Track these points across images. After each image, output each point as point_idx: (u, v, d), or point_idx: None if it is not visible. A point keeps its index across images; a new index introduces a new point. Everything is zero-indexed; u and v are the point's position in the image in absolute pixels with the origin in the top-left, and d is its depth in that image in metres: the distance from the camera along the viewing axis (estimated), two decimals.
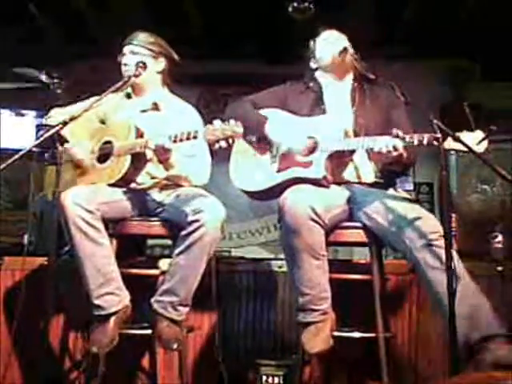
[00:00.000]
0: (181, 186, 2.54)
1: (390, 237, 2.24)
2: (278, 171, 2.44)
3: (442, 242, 2.03)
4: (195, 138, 2.22)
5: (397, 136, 2.13)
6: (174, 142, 2.28)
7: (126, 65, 2.61)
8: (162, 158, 2.41)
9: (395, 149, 2.17)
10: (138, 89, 2.69)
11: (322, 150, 2.36)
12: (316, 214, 2.18)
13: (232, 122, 2.15)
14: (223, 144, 2.14)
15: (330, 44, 2.53)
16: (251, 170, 2.52)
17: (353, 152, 2.40)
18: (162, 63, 2.67)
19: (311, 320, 2.23)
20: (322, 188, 2.33)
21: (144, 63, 2.54)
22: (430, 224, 2.15)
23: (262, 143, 2.51)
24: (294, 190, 2.25)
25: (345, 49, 2.44)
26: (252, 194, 2.52)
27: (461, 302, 1.96)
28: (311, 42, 2.62)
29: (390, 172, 2.43)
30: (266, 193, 2.47)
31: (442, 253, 2.02)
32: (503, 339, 1.98)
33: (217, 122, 2.16)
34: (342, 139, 2.36)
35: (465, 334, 2.01)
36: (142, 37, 2.64)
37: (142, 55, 2.60)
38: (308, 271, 2.21)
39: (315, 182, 2.33)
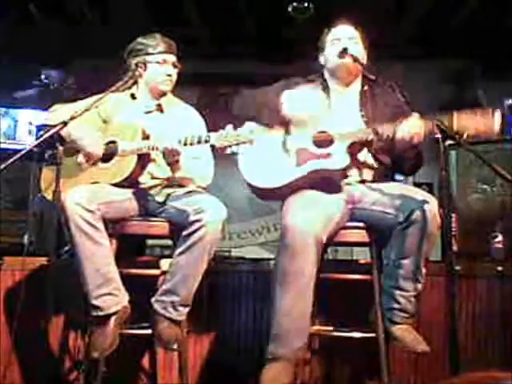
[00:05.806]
0: (184, 186, 2.53)
1: (379, 216, 2.26)
2: (298, 165, 2.36)
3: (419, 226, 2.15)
4: (207, 142, 2.23)
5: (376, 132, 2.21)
6: (185, 145, 2.28)
7: (169, 75, 2.60)
8: (171, 161, 2.40)
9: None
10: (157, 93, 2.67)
11: (340, 140, 2.30)
12: (317, 240, 2.15)
13: (245, 128, 2.16)
14: (234, 149, 2.16)
15: (337, 44, 2.44)
16: (266, 166, 2.42)
17: (361, 148, 2.35)
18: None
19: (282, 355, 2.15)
20: (322, 198, 2.30)
21: (144, 63, 2.54)
22: (417, 199, 2.21)
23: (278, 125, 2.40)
24: (300, 210, 2.21)
25: (344, 50, 2.39)
26: (266, 192, 2.41)
27: None
28: (323, 35, 2.54)
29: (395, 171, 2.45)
30: (284, 188, 2.36)
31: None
32: None
33: (229, 128, 2.18)
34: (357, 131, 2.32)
35: None
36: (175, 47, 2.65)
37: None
38: (294, 299, 2.14)
39: (333, 175, 2.32)
